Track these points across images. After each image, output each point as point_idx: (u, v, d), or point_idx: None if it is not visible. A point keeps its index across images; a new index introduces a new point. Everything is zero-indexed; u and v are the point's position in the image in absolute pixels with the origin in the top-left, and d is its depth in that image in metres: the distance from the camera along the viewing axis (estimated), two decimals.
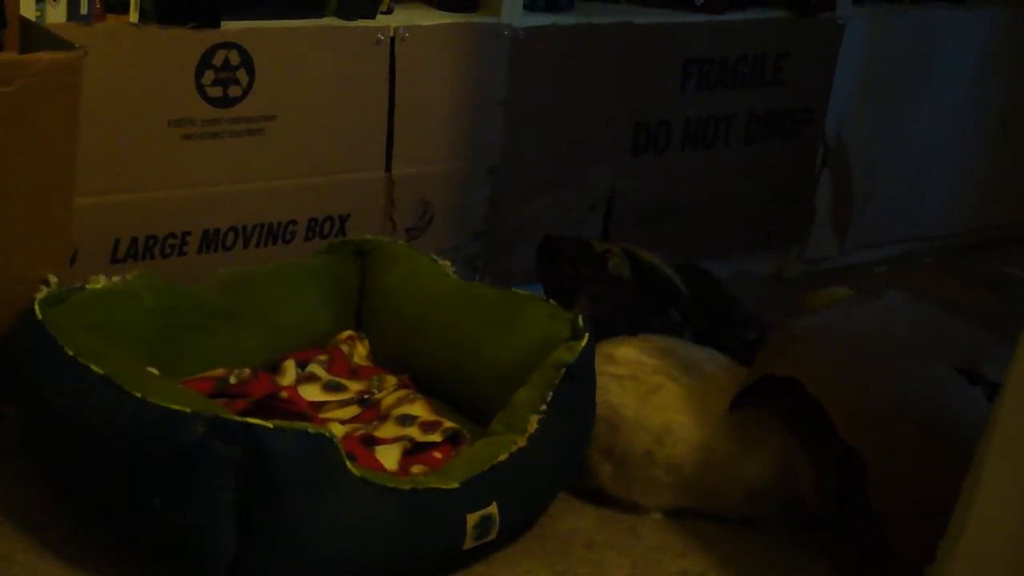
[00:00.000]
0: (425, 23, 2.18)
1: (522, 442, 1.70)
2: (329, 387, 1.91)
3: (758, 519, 1.86)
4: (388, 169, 2.22)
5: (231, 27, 1.98)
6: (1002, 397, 1.38)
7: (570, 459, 1.81)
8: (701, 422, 1.83)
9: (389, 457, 1.75)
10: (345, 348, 2.01)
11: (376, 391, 1.91)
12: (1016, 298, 2.89)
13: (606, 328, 1.98)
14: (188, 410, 1.48)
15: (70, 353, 1.60)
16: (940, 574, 1.45)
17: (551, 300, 1.96)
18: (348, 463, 1.53)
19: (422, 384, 1.96)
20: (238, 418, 1.49)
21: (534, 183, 2.41)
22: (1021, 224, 3.26)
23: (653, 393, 1.85)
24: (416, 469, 1.75)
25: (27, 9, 1.79)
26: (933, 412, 1.80)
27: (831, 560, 1.80)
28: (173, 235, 2.03)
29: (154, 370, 1.67)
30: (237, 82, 2.01)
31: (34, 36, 1.72)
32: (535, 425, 1.72)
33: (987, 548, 1.37)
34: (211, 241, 2.07)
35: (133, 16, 1.92)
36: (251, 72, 2.01)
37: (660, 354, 1.90)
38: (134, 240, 2.00)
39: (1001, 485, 1.36)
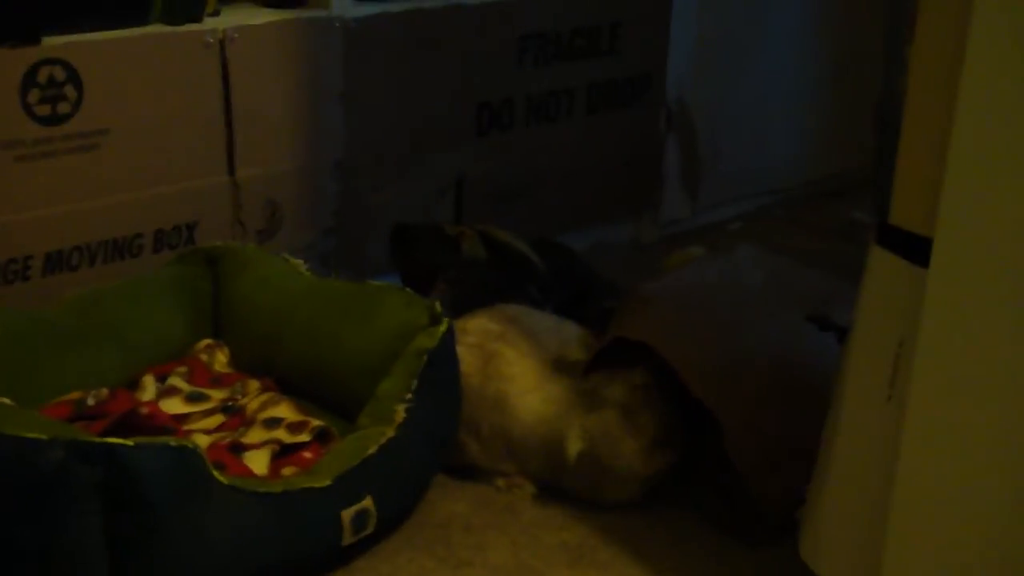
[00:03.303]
0: (254, 22, 2.15)
1: (391, 432, 1.70)
2: (191, 398, 1.88)
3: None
4: (232, 173, 2.19)
5: (53, 42, 1.94)
6: (851, 340, 1.41)
7: (441, 444, 1.81)
8: (530, 389, 1.84)
9: (258, 462, 1.73)
10: (204, 357, 1.98)
11: (240, 397, 1.89)
12: (865, 243, 2.94)
13: (465, 310, 1.98)
14: (45, 437, 1.44)
15: None
16: (811, 515, 1.48)
17: (408, 288, 1.95)
18: (215, 472, 1.52)
19: (286, 385, 1.94)
20: (97, 439, 1.46)
21: (382, 173, 2.39)
22: (865, 170, 3.32)
23: (491, 360, 1.85)
24: (287, 471, 1.73)
25: None
26: (784, 362, 1.83)
27: (707, 518, 1.82)
28: (14, 260, 1.98)
29: (7, 400, 1.62)
30: (65, 98, 1.96)
31: None
32: (402, 414, 1.72)
33: (852, 484, 1.41)
34: (55, 263, 2.02)
35: None
36: (79, 87, 1.97)
37: (506, 321, 1.91)
38: None
39: (858, 423, 1.39)
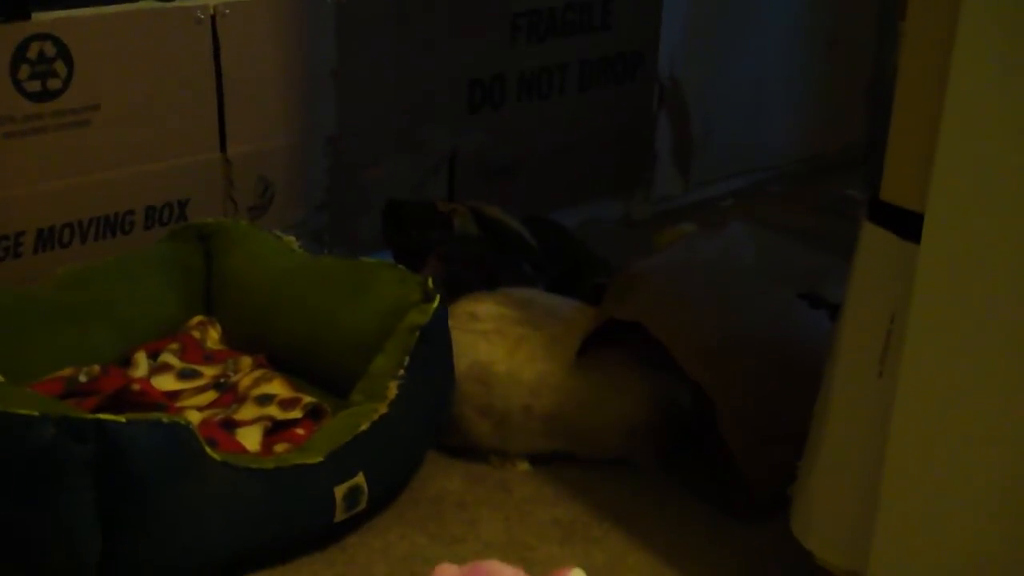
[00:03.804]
0: None
1: (383, 409, 1.70)
2: (183, 375, 1.88)
3: (636, 457, 1.87)
4: (223, 149, 2.18)
5: (43, 18, 1.93)
6: (842, 316, 1.41)
7: (433, 421, 1.81)
8: (571, 368, 1.84)
9: (250, 438, 1.74)
10: (196, 334, 1.98)
11: (232, 374, 1.89)
12: (858, 220, 2.94)
13: (458, 287, 1.98)
14: (36, 413, 1.44)
15: None
16: (802, 492, 1.49)
17: (400, 265, 1.95)
18: (207, 448, 1.51)
19: (278, 362, 1.94)
20: (88, 415, 1.46)
21: (374, 149, 2.39)
22: (858, 147, 3.33)
23: (519, 345, 1.85)
24: (280, 447, 1.74)
25: None
26: (776, 340, 1.83)
27: (700, 495, 1.83)
28: (6, 237, 1.97)
29: None
30: (56, 74, 1.95)
31: None
32: (395, 391, 1.72)
33: (842, 461, 1.41)
34: (47, 240, 2.02)
35: None
36: (69, 63, 1.96)
37: (521, 305, 1.91)
38: None
39: (849, 400, 1.39)
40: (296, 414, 1.79)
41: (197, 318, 2.02)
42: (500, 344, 1.85)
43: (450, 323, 1.85)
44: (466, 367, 1.84)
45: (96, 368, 1.80)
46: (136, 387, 1.74)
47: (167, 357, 1.90)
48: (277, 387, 1.84)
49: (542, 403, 1.84)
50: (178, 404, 1.82)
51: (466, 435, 1.87)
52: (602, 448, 1.88)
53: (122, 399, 1.70)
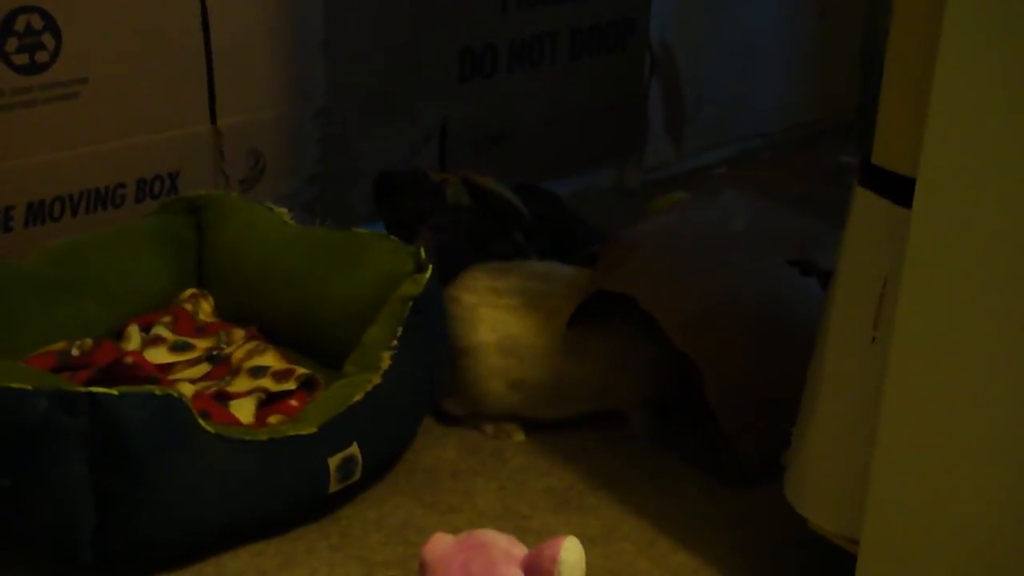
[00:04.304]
0: None
1: (377, 380, 1.70)
2: (176, 347, 1.88)
3: (644, 415, 1.89)
4: (213, 121, 2.18)
5: None
6: (835, 282, 1.41)
7: (426, 391, 1.81)
8: (595, 333, 1.84)
9: (244, 410, 1.73)
10: (189, 307, 1.97)
11: (225, 346, 1.89)
12: (851, 185, 2.94)
13: (451, 257, 1.98)
14: (29, 387, 1.44)
15: None
16: (796, 458, 1.49)
17: (392, 235, 1.94)
18: (201, 421, 1.51)
19: (271, 334, 1.93)
20: (81, 389, 1.45)
21: (365, 120, 2.38)
22: (850, 112, 3.31)
23: (551, 318, 1.84)
24: (274, 419, 1.73)
25: None
26: (766, 307, 1.83)
27: (694, 463, 1.83)
28: None
29: None
30: (43, 47, 1.94)
31: None
32: (388, 361, 1.71)
33: (836, 427, 1.41)
34: (37, 213, 2.01)
35: None
36: (56, 35, 1.95)
37: (544, 279, 1.90)
38: None
39: (842, 366, 1.39)
40: (290, 386, 1.79)
41: (189, 291, 2.02)
42: (530, 317, 1.85)
43: (473, 299, 1.85)
44: (495, 341, 1.83)
45: (88, 342, 1.79)
46: (129, 360, 1.73)
47: (160, 330, 1.90)
48: (270, 359, 1.84)
49: (574, 371, 1.84)
50: (171, 377, 1.81)
51: (479, 404, 1.86)
52: (618, 403, 1.88)
53: (115, 372, 1.70)
